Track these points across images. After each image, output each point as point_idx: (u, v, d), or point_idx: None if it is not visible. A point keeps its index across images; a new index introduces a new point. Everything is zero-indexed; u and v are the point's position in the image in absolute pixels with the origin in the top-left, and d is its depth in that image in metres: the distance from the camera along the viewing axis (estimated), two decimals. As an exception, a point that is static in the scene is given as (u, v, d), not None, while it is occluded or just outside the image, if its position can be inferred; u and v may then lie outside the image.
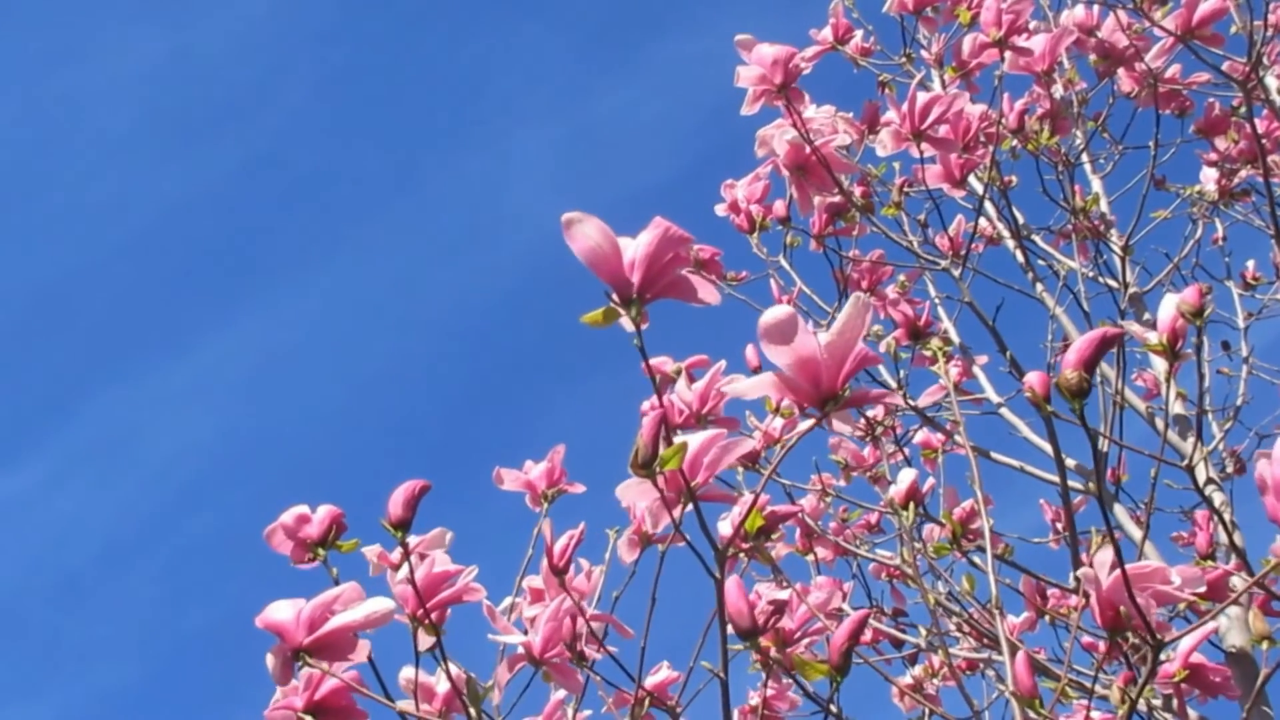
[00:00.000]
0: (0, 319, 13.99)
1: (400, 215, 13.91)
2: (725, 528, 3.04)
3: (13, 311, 13.98)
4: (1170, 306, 2.82)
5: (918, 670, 4.94)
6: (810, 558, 4.70)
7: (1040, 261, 5.02)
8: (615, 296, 2.02)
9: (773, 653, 2.78)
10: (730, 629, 2.35)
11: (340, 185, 13.98)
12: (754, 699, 4.57)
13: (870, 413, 4.83)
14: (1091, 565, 2.27)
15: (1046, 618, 4.41)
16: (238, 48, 14.04)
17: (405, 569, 2.65)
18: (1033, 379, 2.37)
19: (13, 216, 13.86)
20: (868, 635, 4.62)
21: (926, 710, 4.44)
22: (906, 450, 4.93)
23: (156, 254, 14.29)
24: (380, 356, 13.89)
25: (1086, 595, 2.28)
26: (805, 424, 2.10)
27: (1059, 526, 5.40)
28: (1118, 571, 2.19)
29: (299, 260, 14.24)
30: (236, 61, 14.06)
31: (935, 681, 4.91)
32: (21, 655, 12.88)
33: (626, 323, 2.04)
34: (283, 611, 2.37)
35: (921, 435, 5.05)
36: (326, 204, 13.95)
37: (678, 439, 2.21)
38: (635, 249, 2.02)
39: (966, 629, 4.15)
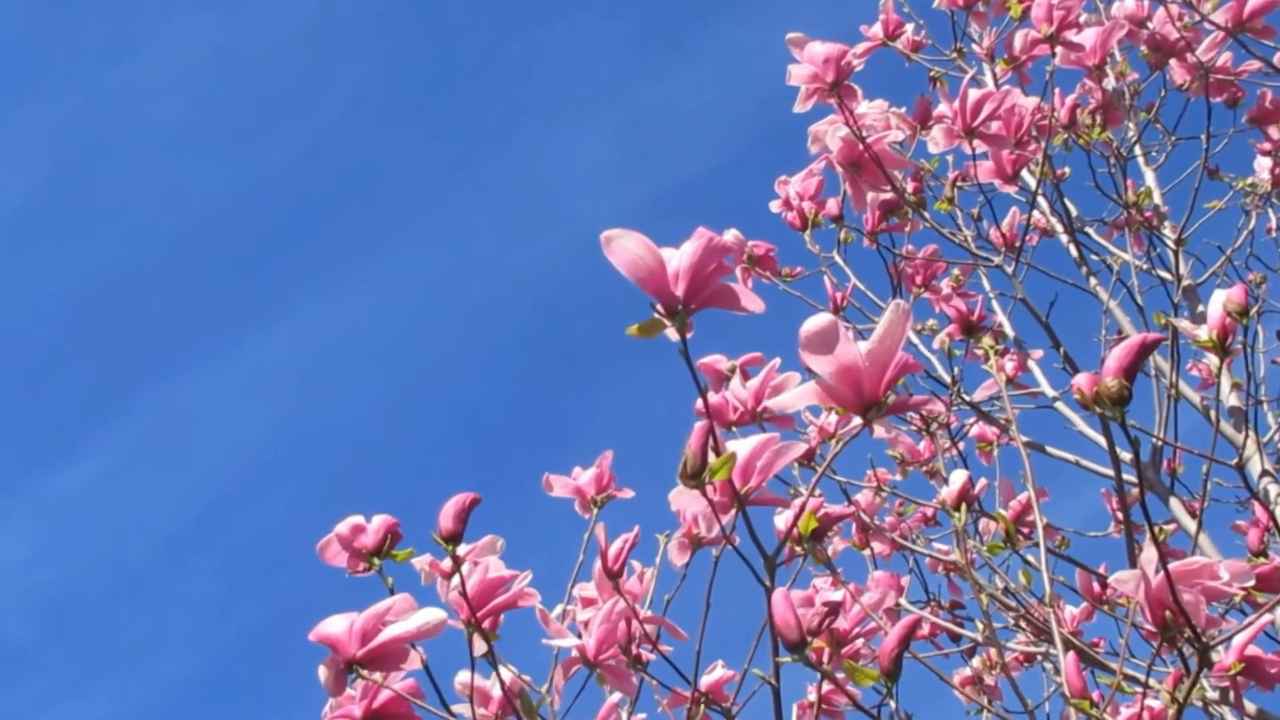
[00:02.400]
0: (56, 314, 14.07)
1: (452, 207, 13.93)
2: (780, 525, 3.07)
3: (69, 306, 14.09)
4: (1218, 302, 2.83)
5: (976, 663, 4.95)
6: (866, 552, 4.71)
7: (1094, 255, 5.02)
8: (660, 307, 2.04)
9: (825, 657, 2.80)
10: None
11: (392, 177, 14.02)
12: (811, 694, 4.59)
13: (926, 407, 4.83)
14: (1139, 564, 2.29)
15: (1105, 607, 4.41)
16: (290, 39, 14.09)
17: (457, 580, 2.67)
18: (1081, 381, 2.37)
19: (69, 211, 13.96)
20: (925, 629, 4.64)
21: (986, 703, 4.46)
22: (961, 444, 4.94)
23: (211, 247, 14.37)
24: (433, 349, 13.91)
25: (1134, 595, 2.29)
26: (857, 421, 2.11)
27: (1120, 516, 5.39)
28: (1164, 571, 2.20)
29: (352, 253, 14.28)
30: (289, 53, 14.11)
31: (995, 674, 4.92)
32: (79, 650, 12.98)
33: (672, 333, 2.06)
34: (336, 625, 2.39)
35: (977, 429, 5.06)
36: (379, 196, 13.98)
37: (730, 444, 2.23)
38: (679, 260, 2.04)
39: (1023, 623, 4.16)
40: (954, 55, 5.24)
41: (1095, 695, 2.53)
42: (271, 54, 13.98)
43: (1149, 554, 2.25)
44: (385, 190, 14.02)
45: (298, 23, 14.01)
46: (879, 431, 2.08)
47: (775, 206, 4.86)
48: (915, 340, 4.83)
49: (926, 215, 4.64)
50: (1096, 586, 4.56)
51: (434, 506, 2.56)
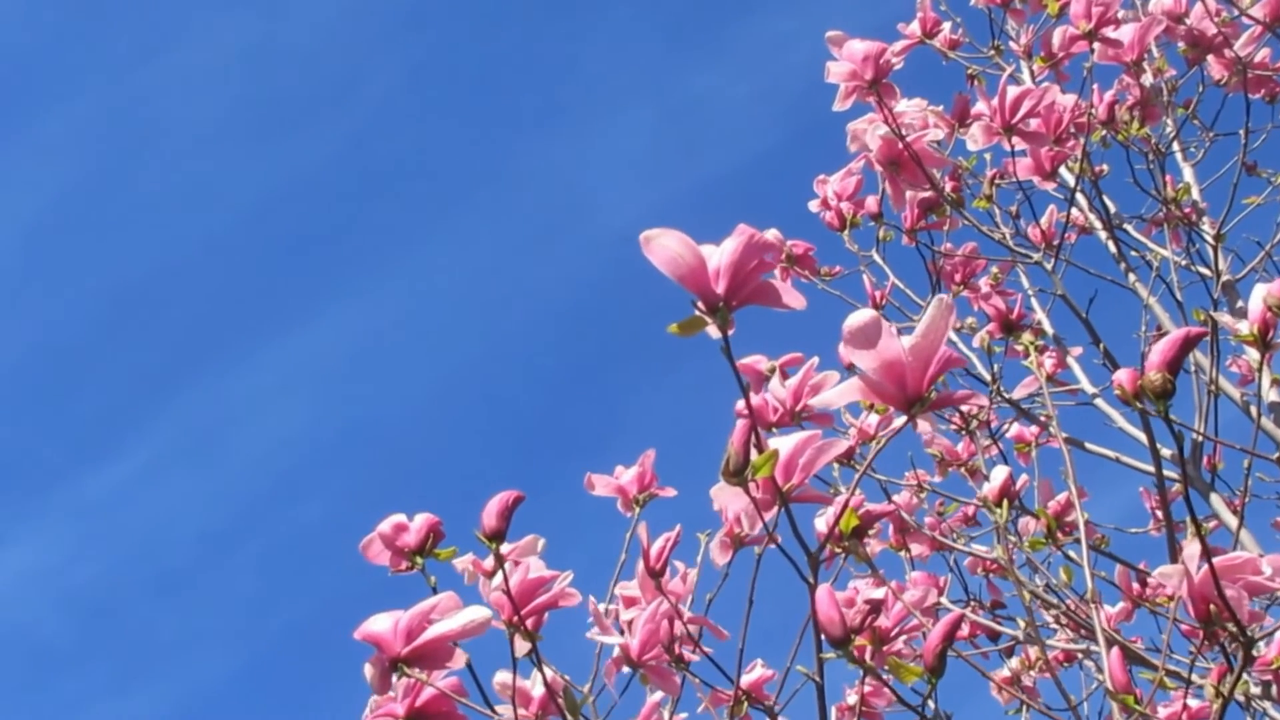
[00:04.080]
0: (91, 314, 14.11)
1: (489, 202, 13.92)
2: (821, 525, 3.07)
3: (103, 306, 14.11)
4: (1259, 297, 2.83)
5: (1014, 663, 4.94)
6: (905, 554, 4.70)
7: (1132, 251, 5.01)
8: (701, 305, 2.04)
9: (868, 654, 2.80)
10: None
11: (429, 172, 14.00)
12: (851, 697, 4.59)
13: (964, 406, 4.83)
14: (1182, 559, 2.29)
15: (1145, 606, 4.41)
16: (325, 35, 14.10)
17: (498, 578, 2.67)
18: (1122, 376, 2.37)
19: (102, 211, 14.00)
20: (964, 630, 4.64)
21: (1024, 703, 4.46)
22: (1001, 443, 4.94)
23: (248, 244, 14.39)
24: (470, 346, 13.91)
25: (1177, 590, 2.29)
26: (899, 421, 2.11)
27: (1159, 514, 5.38)
28: (1207, 565, 2.20)
29: (387, 251, 14.28)
30: (324, 49, 14.12)
31: (1032, 674, 4.91)
32: (118, 649, 13.02)
33: (713, 330, 2.06)
34: (381, 623, 2.40)
35: (1016, 428, 5.05)
36: (416, 192, 13.99)
37: (772, 441, 2.23)
38: (719, 257, 2.03)
39: (1064, 621, 4.16)
40: (992, 53, 5.25)
41: (1137, 692, 2.53)
42: (304, 52, 14.01)
43: (1192, 549, 2.26)
44: (419, 187, 14.04)
45: (330, 20, 14.04)
46: (922, 427, 2.08)
47: (814, 206, 4.86)
48: (954, 338, 4.83)
49: (965, 213, 4.64)
50: (1136, 584, 4.55)
51: (472, 505, 2.57)
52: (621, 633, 2.99)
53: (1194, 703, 3.42)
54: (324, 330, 14.00)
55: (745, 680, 3.20)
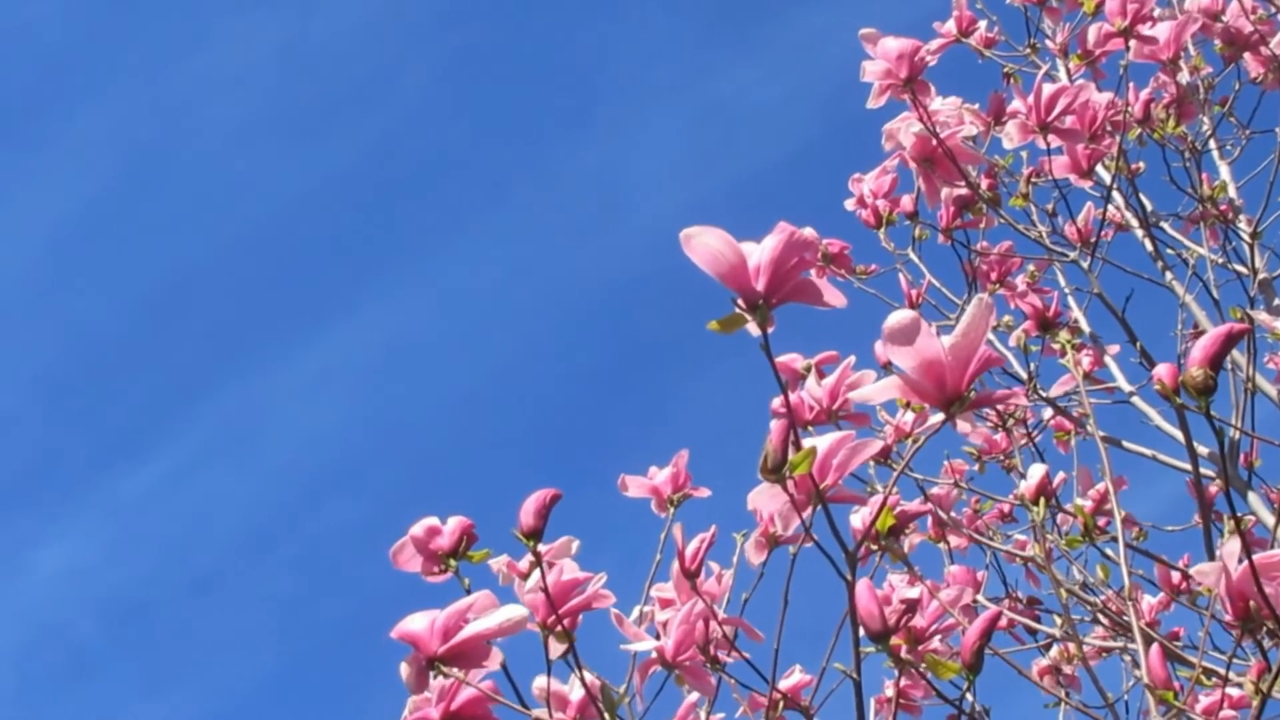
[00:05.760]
0: (126, 312, 14.14)
1: (522, 200, 13.90)
2: (856, 523, 3.08)
3: (138, 305, 14.13)
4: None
5: (1053, 654, 4.94)
6: (944, 546, 4.70)
7: (1169, 249, 5.01)
8: (741, 302, 2.04)
9: (904, 651, 2.81)
10: (862, 631, 2.37)
11: (462, 171, 14.00)
12: (889, 689, 4.59)
13: (1002, 405, 4.83)
14: (1220, 556, 2.29)
15: (1183, 600, 4.41)
16: (357, 34, 14.10)
17: (535, 577, 2.67)
18: (1162, 372, 2.37)
19: (141, 207, 14.03)
20: (1002, 623, 4.64)
21: (1064, 694, 4.46)
22: (1039, 437, 4.94)
23: (280, 244, 14.41)
24: (505, 343, 13.91)
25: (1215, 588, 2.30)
26: (935, 419, 2.12)
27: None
28: (1246, 563, 2.20)
29: (423, 247, 14.30)
30: (357, 48, 14.13)
31: (1071, 665, 4.91)
32: (158, 648, 13.05)
33: (753, 327, 2.07)
34: (417, 622, 2.39)
35: (1055, 420, 5.05)
36: (449, 190, 13.99)
37: (808, 440, 2.24)
38: (760, 255, 2.04)
39: (1100, 617, 4.16)
40: (1027, 51, 5.26)
41: (1176, 686, 2.53)
42: (337, 51, 14.02)
43: (1231, 546, 2.26)
44: (454, 185, 14.05)
45: (363, 19, 14.05)
46: (961, 427, 2.09)
47: (849, 204, 4.86)
48: (991, 337, 4.83)
49: (1001, 211, 4.64)
50: (1176, 578, 4.55)
51: (505, 505, 2.57)
52: (657, 635, 2.98)
53: (1234, 691, 3.41)
54: (358, 329, 14.03)
55: (783, 684, 3.20)
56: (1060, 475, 4.30)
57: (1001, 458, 5.14)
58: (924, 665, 2.46)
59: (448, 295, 13.90)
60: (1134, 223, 5.06)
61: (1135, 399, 4.74)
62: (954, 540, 4.82)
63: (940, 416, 2.07)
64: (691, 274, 2.03)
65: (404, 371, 14.00)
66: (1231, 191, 5.18)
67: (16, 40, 14.00)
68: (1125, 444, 4.56)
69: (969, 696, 2.53)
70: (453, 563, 2.67)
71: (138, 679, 12.81)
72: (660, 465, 3.62)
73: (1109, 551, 4.09)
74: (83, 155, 13.89)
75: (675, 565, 3.02)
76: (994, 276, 4.96)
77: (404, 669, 2.40)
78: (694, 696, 3.16)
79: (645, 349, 12.86)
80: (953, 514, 4.87)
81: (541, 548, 2.59)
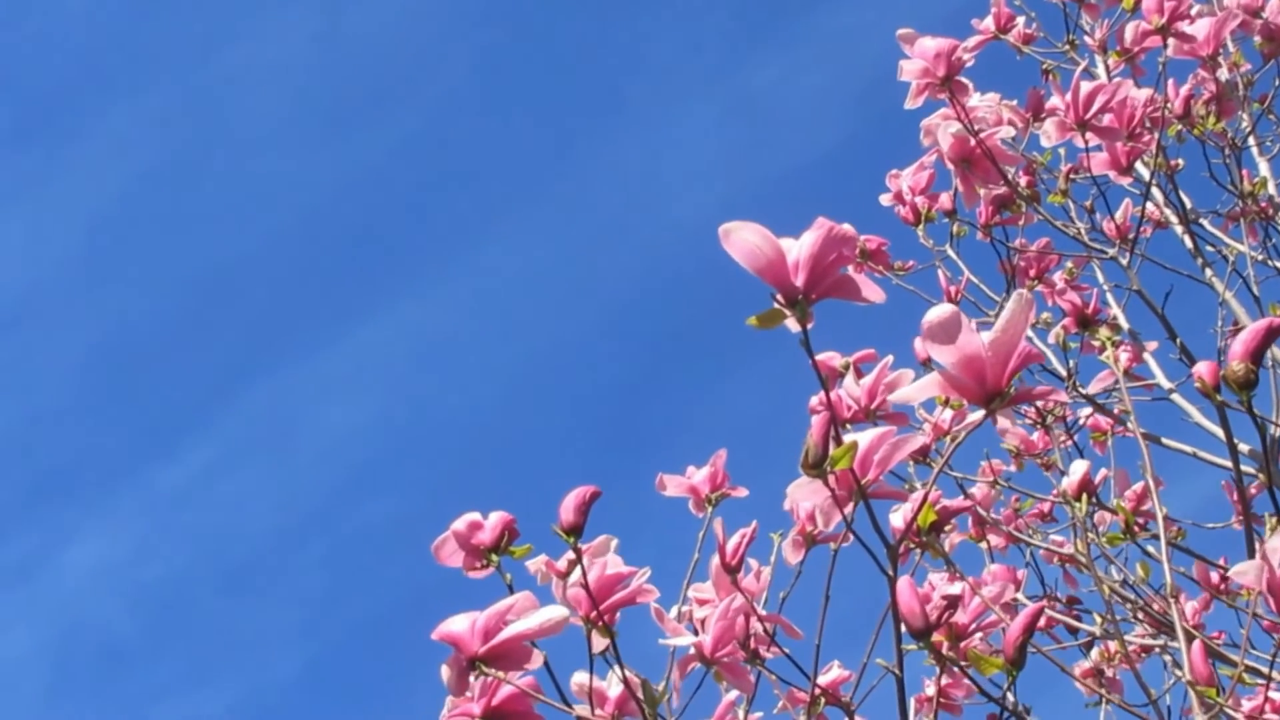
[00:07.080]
0: (164, 305, 14.18)
1: (558, 194, 13.90)
2: (897, 520, 3.08)
3: (176, 297, 14.15)
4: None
5: (1095, 655, 4.92)
6: (984, 545, 4.69)
7: (1208, 246, 5.00)
8: (780, 298, 2.04)
9: (945, 648, 2.80)
10: (903, 628, 2.37)
11: (497, 165, 13.98)
12: (929, 688, 4.59)
13: (1041, 402, 4.81)
14: (1262, 552, 2.28)
15: (1224, 599, 4.39)
16: (391, 28, 14.11)
17: (576, 574, 2.67)
18: (1202, 369, 2.36)
19: (176, 202, 14.05)
20: (1042, 622, 4.63)
21: (1104, 695, 4.44)
22: (1076, 436, 4.93)
23: (314, 239, 14.42)
24: (540, 338, 13.90)
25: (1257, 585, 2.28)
26: (975, 415, 2.12)
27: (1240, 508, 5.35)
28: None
29: (457, 242, 14.29)
30: (391, 42, 14.13)
31: (1113, 666, 4.89)
32: (191, 644, 13.07)
33: (792, 323, 2.07)
34: (458, 623, 2.39)
35: (1091, 420, 5.04)
36: (483, 184, 13.97)
37: (848, 437, 2.24)
38: (799, 250, 2.03)
39: (1142, 615, 4.15)
40: (1066, 48, 5.25)
41: (1218, 684, 2.52)
42: (371, 45, 14.05)
43: (1273, 543, 2.25)
44: (487, 180, 14.03)
45: (397, 13, 14.06)
46: (1001, 423, 2.09)
47: (886, 200, 4.86)
48: (1030, 333, 4.81)
49: (1040, 208, 4.63)
50: (1215, 577, 4.54)
51: (541, 500, 2.58)
52: (695, 632, 2.98)
53: (1276, 697, 3.40)
54: (393, 323, 14.03)
55: (823, 679, 3.20)
56: (1101, 472, 4.28)
57: (1040, 456, 5.13)
58: (966, 661, 2.46)
59: (483, 290, 13.90)
60: (1173, 219, 5.04)
61: (1175, 396, 4.72)
62: (993, 539, 4.81)
63: (980, 413, 2.07)
64: (729, 269, 2.03)
65: (439, 365, 14.00)
66: (1271, 188, 5.16)
67: (53, 35, 14.05)
68: (1165, 441, 4.54)
69: (1010, 694, 2.52)
70: (494, 558, 2.68)
71: (171, 675, 12.84)
72: (695, 463, 3.62)
73: (1150, 549, 4.08)
74: (118, 150, 13.94)
75: (714, 561, 3.02)
76: (1032, 273, 4.95)
77: (445, 670, 2.40)
78: (733, 695, 3.16)
79: (680, 345, 12.85)
80: (992, 513, 4.86)
81: (581, 545, 2.60)
